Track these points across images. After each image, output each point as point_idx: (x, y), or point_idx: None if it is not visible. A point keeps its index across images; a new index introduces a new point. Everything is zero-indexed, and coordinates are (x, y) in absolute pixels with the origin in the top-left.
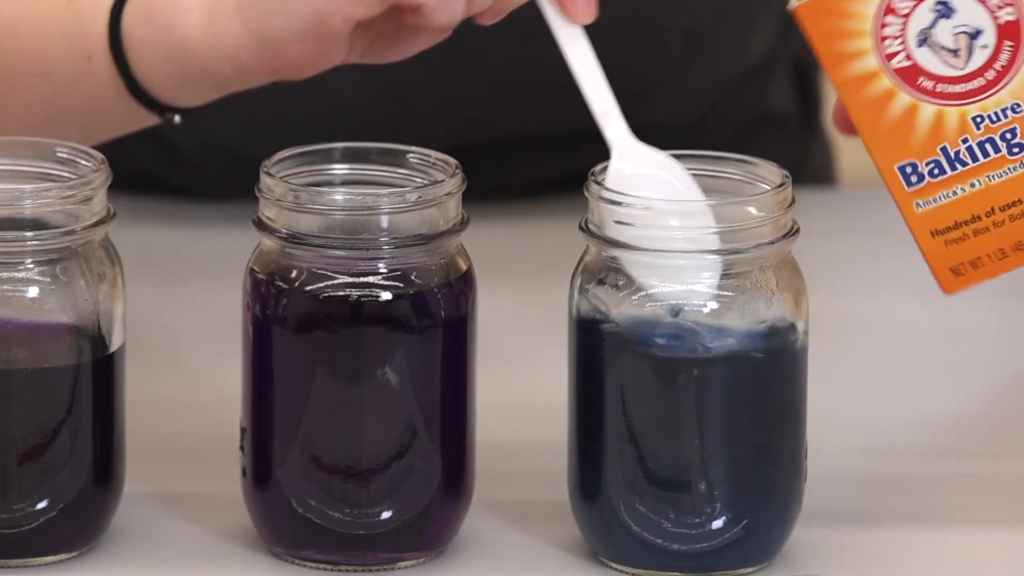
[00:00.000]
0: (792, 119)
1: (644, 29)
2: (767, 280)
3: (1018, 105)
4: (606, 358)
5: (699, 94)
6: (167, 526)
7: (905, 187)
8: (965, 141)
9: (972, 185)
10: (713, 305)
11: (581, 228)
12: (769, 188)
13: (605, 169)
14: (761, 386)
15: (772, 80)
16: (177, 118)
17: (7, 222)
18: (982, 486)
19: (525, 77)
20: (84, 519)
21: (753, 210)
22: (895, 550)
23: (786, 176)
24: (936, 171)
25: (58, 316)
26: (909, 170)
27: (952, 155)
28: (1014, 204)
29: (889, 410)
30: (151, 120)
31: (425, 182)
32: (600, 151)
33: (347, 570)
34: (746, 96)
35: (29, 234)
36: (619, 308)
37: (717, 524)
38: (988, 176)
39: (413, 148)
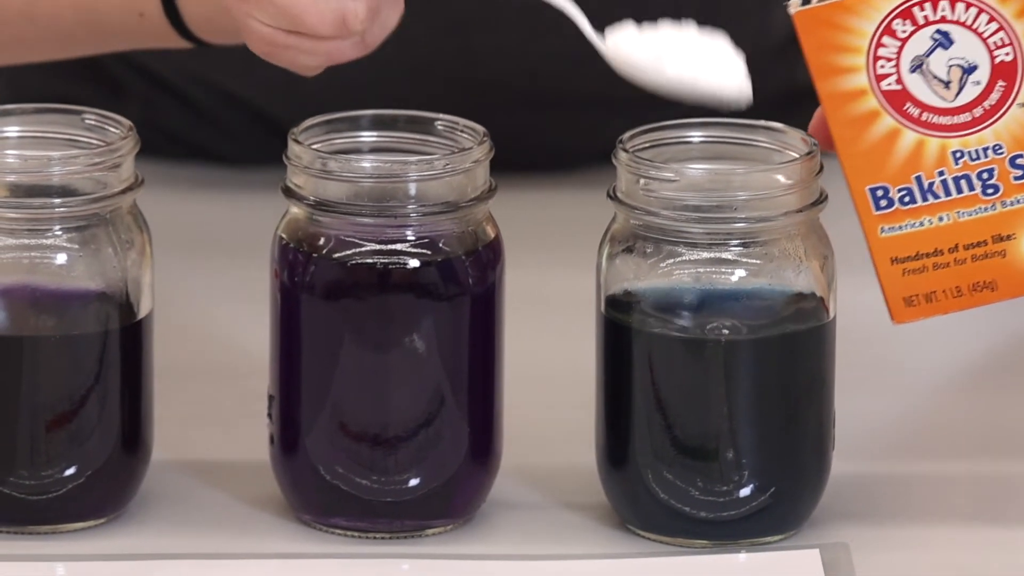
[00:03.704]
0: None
1: None
2: (795, 248)
3: (1000, 147)
4: (633, 326)
5: None
6: (195, 493)
7: (873, 209)
8: (941, 174)
9: (940, 219)
10: (741, 272)
11: (609, 196)
12: (797, 156)
13: (633, 136)
14: (789, 354)
15: (799, 54)
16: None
17: (35, 189)
18: (1016, 452)
19: (537, 45)
20: (112, 486)
21: (781, 178)
22: (923, 519)
23: (814, 144)
24: (907, 199)
25: (86, 283)
26: (880, 193)
27: (926, 186)
28: (979, 244)
29: (918, 378)
30: (178, 44)
31: (453, 149)
32: (623, 118)
33: (375, 537)
34: (773, 71)
35: (57, 201)
36: (647, 276)
37: (745, 492)
38: (958, 212)
39: (441, 115)
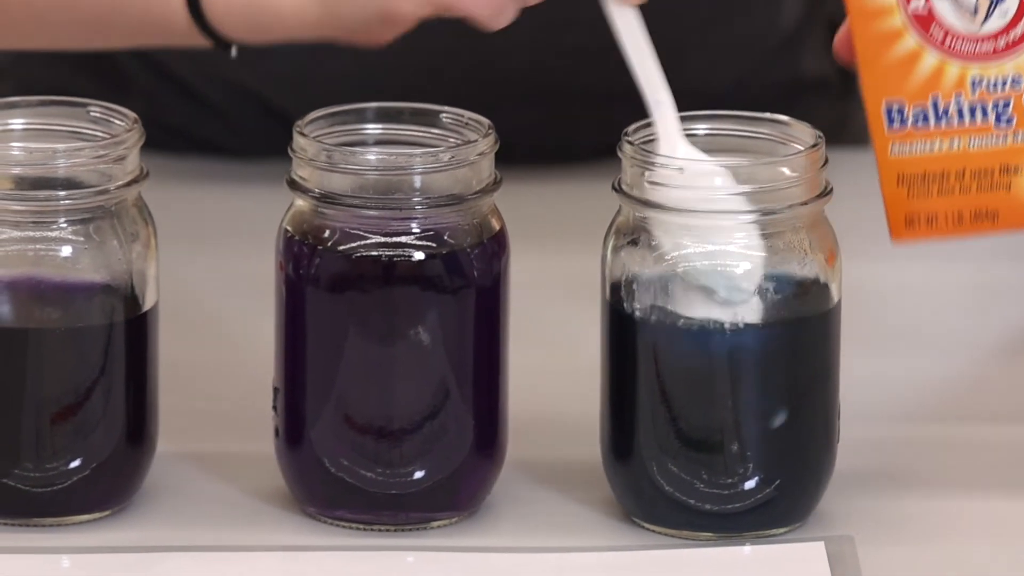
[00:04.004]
0: (829, 82)
1: None
2: (800, 241)
3: (1019, 80)
4: (638, 319)
5: (732, 57)
6: (200, 485)
7: (886, 127)
8: (958, 98)
9: (951, 144)
10: (746, 265)
11: (614, 188)
12: (802, 148)
13: (638, 129)
14: (794, 347)
15: (806, 45)
16: (234, 51)
17: (41, 181)
18: (1017, 449)
19: (548, 37)
20: (117, 478)
21: (786, 170)
22: (928, 512)
23: (819, 136)
24: (921, 120)
25: (91, 275)
26: (895, 110)
27: (941, 108)
28: (986, 174)
29: (922, 372)
30: (201, 44)
31: (458, 142)
32: (630, 111)
33: (379, 530)
34: (780, 62)
35: (62, 193)
36: (651, 269)
37: (749, 485)
38: (970, 140)
39: (446, 108)
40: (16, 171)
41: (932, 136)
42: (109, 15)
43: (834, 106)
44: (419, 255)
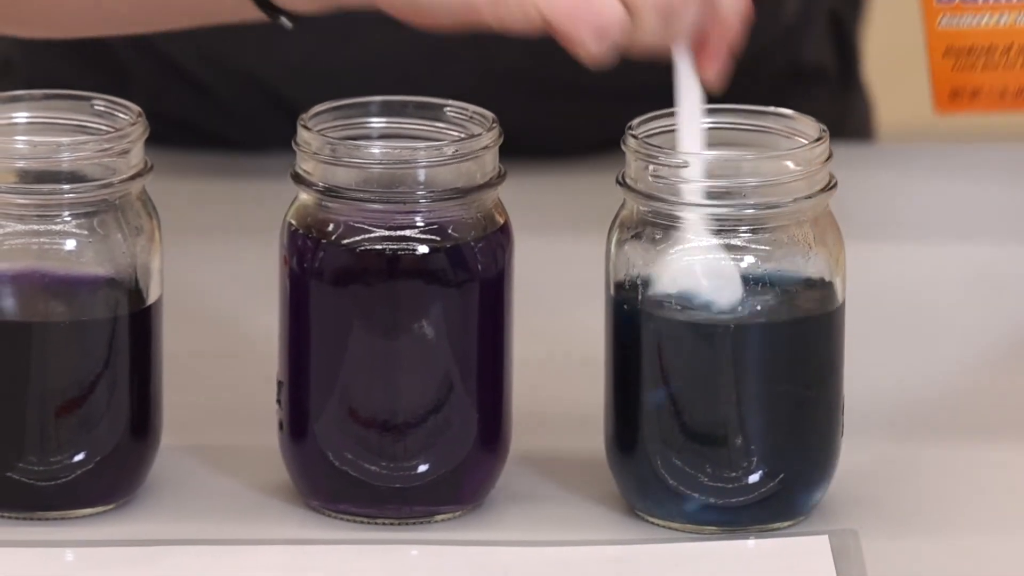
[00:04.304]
0: (829, 73)
1: None
2: (804, 235)
3: None
4: (642, 313)
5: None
6: (204, 479)
7: None
8: None
9: (1000, 19)
10: (750, 258)
11: (618, 182)
12: (806, 142)
13: (642, 123)
14: (798, 341)
15: (806, 36)
16: (287, 22)
17: (45, 175)
18: (1022, 440)
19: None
20: (121, 472)
21: (790, 164)
22: (932, 506)
23: (823, 130)
24: None
25: (95, 269)
26: None
27: None
28: None
29: (926, 365)
30: (255, 16)
31: (462, 136)
32: (634, 105)
33: (383, 523)
34: (780, 53)
35: (66, 187)
36: (656, 262)
37: (753, 478)
38: (1019, 15)
39: (450, 102)
40: (20, 165)
41: (981, 10)
42: None
43: (835, 99)
44: (423, 249)
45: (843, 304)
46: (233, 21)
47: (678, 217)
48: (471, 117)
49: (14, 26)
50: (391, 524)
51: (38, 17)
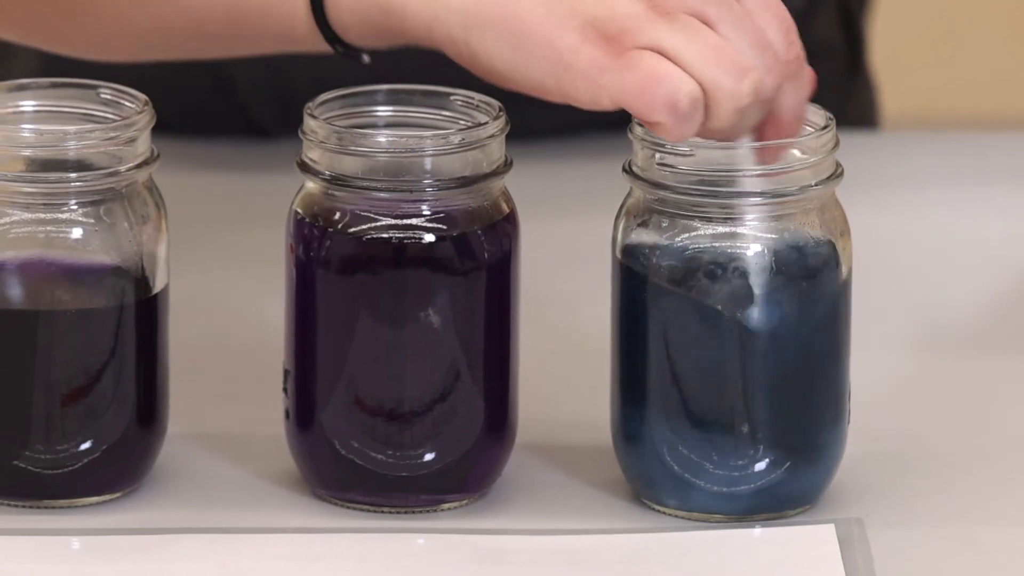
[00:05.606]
0: (836, 56)
1: None
2: (811, 222)
3: None
4: (649, 300)
5: None
6: (210, 468)
7: None
8: None
9: None
10: (756, 246)
11: (624, 170)
12: (813, 130)
13: None
14: (804, 328)
15: (816, 21)
16: (366, 58)
17: (51, 163)
18: None
19: None
20: (128, 460)
21: (797, 152)
22: (938, 494)
23: (830, 118)
24: None
25: (102, 257)
26: None
27: None
28: None
29: (932, 354)
30: (327, 51)
31: (468, 124)
32: None
33: (390, 512)
34: None
35: (73, 175)
36: (662, 250)
37: (760, 466)
38: None
39: (457, 90)
40: (27, 153)
41: None
42: (232, 27)
43: (841, 83)
44: (429, 237)
45: (849, 291)
46: (310, 52)
47: (684, 204)
48: (477, 105)
49: (81, 49)
50: (397, 512)
51: (107, 42)
